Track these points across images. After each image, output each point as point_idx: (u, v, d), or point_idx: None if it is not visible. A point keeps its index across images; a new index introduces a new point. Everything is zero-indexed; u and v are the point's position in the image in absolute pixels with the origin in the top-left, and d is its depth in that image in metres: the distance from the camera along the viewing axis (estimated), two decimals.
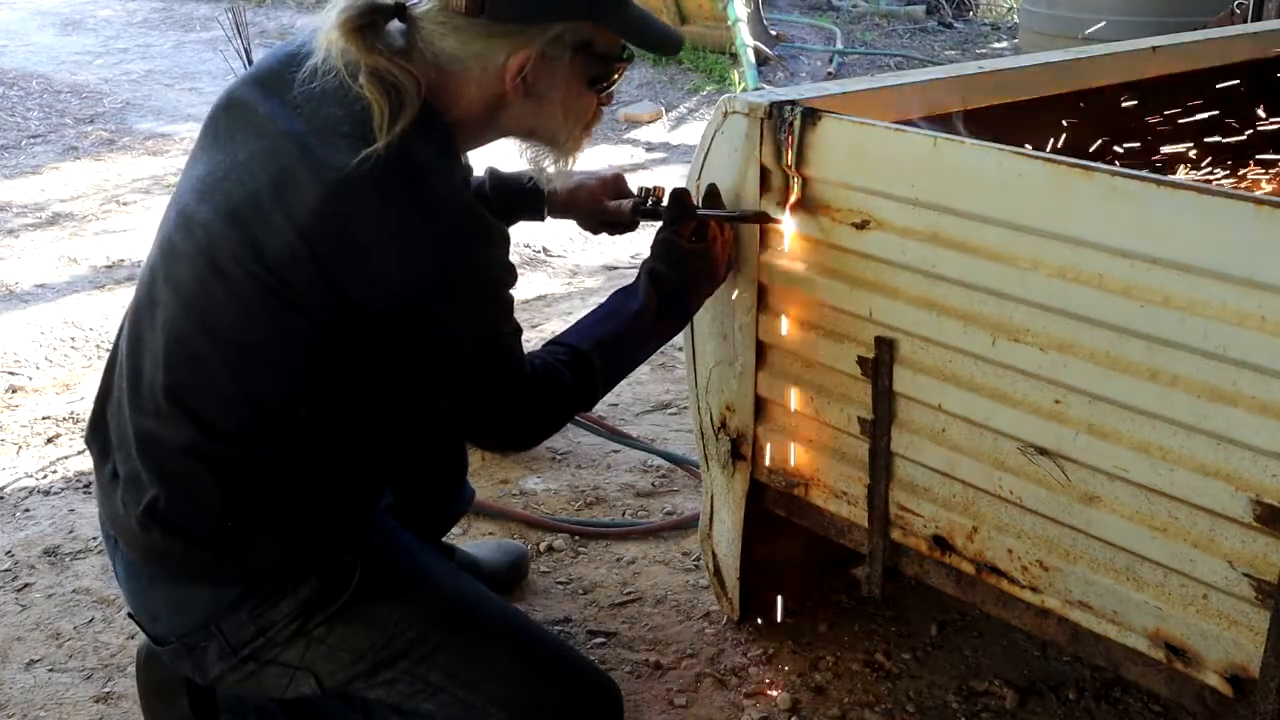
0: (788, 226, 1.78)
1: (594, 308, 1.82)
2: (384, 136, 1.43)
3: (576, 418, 2.91)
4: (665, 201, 1.86)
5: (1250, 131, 2.30)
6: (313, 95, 1.49)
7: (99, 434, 1.68)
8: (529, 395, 1.63)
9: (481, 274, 1.54)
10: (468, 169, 1.74)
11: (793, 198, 1.75)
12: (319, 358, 1.51)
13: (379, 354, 1.52)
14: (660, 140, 6.14)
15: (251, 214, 1.48)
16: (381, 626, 1.61)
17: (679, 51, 1.70)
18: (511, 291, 1.60)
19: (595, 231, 2.05)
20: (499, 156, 1.81)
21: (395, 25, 1.52)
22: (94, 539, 2.56)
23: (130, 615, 1.72)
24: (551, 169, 1.67)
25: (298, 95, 1.50)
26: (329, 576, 1.58)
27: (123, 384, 1.60)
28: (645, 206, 1.93)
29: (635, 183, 2.02)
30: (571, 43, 1.54)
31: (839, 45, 7.56)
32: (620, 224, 2.00)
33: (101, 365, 3.48)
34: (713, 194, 1.84)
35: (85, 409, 3.19)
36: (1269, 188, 2.21)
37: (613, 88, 1.65)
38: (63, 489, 2.81)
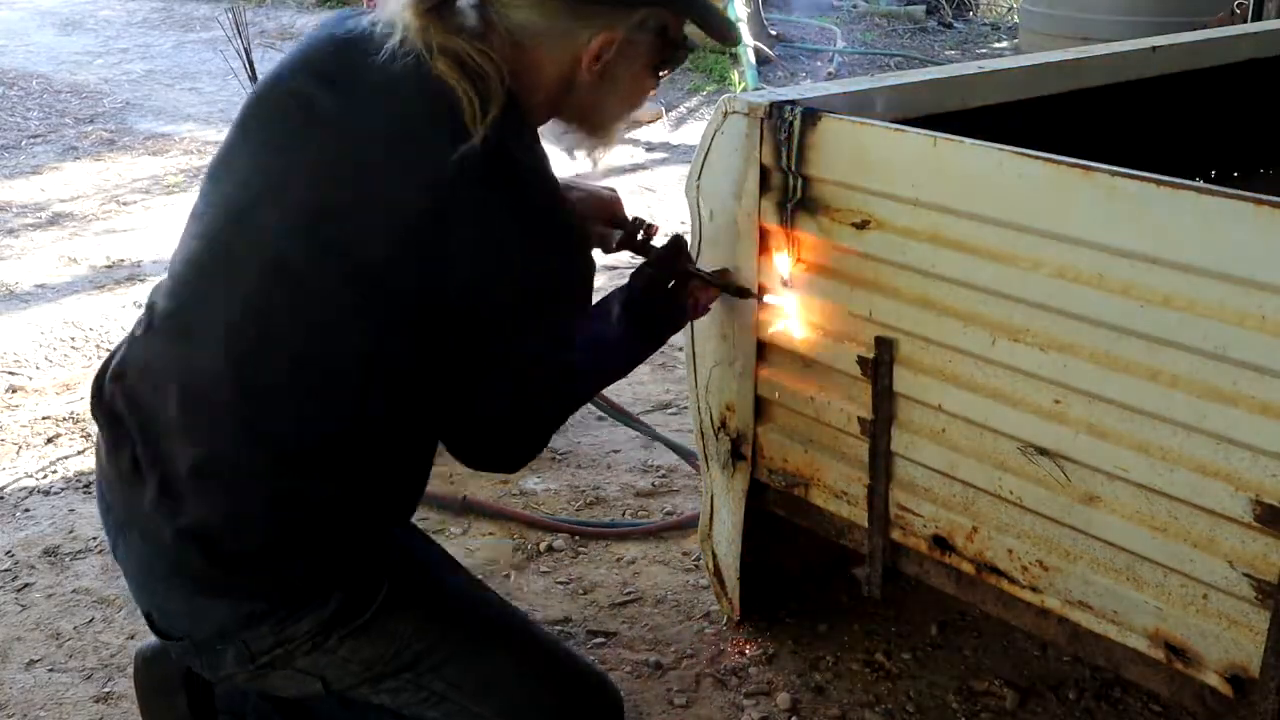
0: (777, 302, 1.80)
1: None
2: (480, 129, 1.35)
3: (596, 401, 2.84)
4: (656, 241, 1.84)
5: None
6: (388, 85, 1.40)
7: (107, 408, 1.58)
8: (556, 391, 1.61)
9: (572, 283, 1.50)
10: None
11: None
12: (397, 365, 1.45)
13: (447, 361, 1.47)
14: (660, 140, 6.14)
15: (337, 218, 1.39)
16: (393, 640, 1.58)
17: (738, 43, 1.70)
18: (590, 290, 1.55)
19: None
20: None
21: (467, 2, 1.44)
22: (94, 539, 2.56)
23: (143, 611, 1.65)
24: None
25: (369, 85, 1.41)
26: (354, 594, 1.54)
27: (163, 385, 1.50)
28: (635, 240, 1.86)
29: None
30: (653, 27, 1.50)
31: (839, 45, 7.57)
32: (600, 248, 1.92)
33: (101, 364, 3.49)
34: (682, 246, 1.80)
35: (85, 409, 3.19)
36: None
37: (670, 74, 1.62)
38: (63, 489, 2.81)
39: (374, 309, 1.40)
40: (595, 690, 1.73)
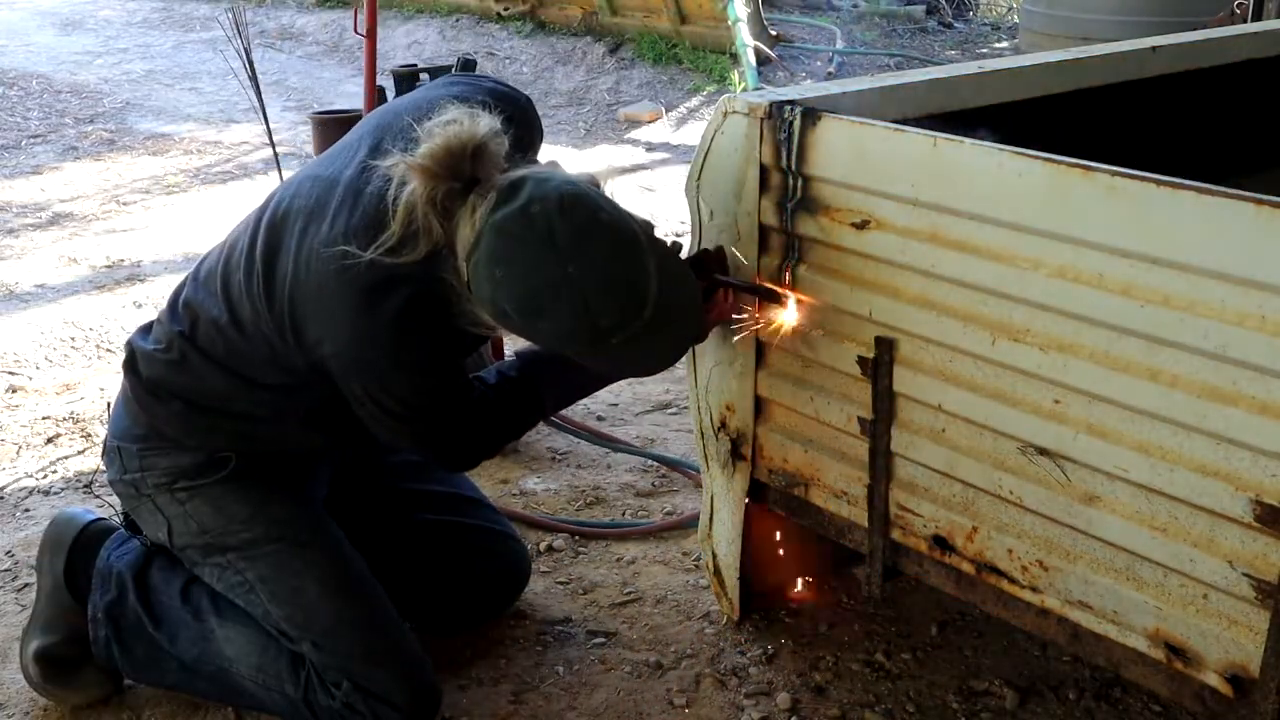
0: (790, 307, 1.82)
1: None
2: (371, 254, 1.61)
3: (567, 425, 2.94)
4: (683, 255, 1.86)
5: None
6: (379, 178, 1.66)
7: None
8: (458, 434, 1.84)
9: (394, 379, 1.72)
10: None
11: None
12: (281, 361, 1.81)
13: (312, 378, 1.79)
14: (660, 140, 6.14)
15: (292, 223, 1.74)
16: (229, 517, 1.91)
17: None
18: (443, 371, 1.77)
19: None
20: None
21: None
22: None
23: None
24: None
25: (384, 158, 1.66)
26: (207, 463, 1.91)
27: (224, 259, 1.87)
28: None
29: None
30: None
31: (839, 45, 7.56)
32: None
33: (101, 365, 3.49)
34: (719, 255, 1.87)
35: (85, 409, 3.20)
36: None
37: None
38: (63, 489, 2.81)
39: (264, 304, 1.77)
40: (397, 651, 1.92)
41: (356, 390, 1.74)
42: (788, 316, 1.82)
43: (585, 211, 1.55)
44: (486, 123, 1.61)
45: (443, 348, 1.75)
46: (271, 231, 1.77)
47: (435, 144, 1.58)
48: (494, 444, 1.96)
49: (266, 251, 1.76)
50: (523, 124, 1.76)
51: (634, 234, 1.60)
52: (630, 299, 1.56)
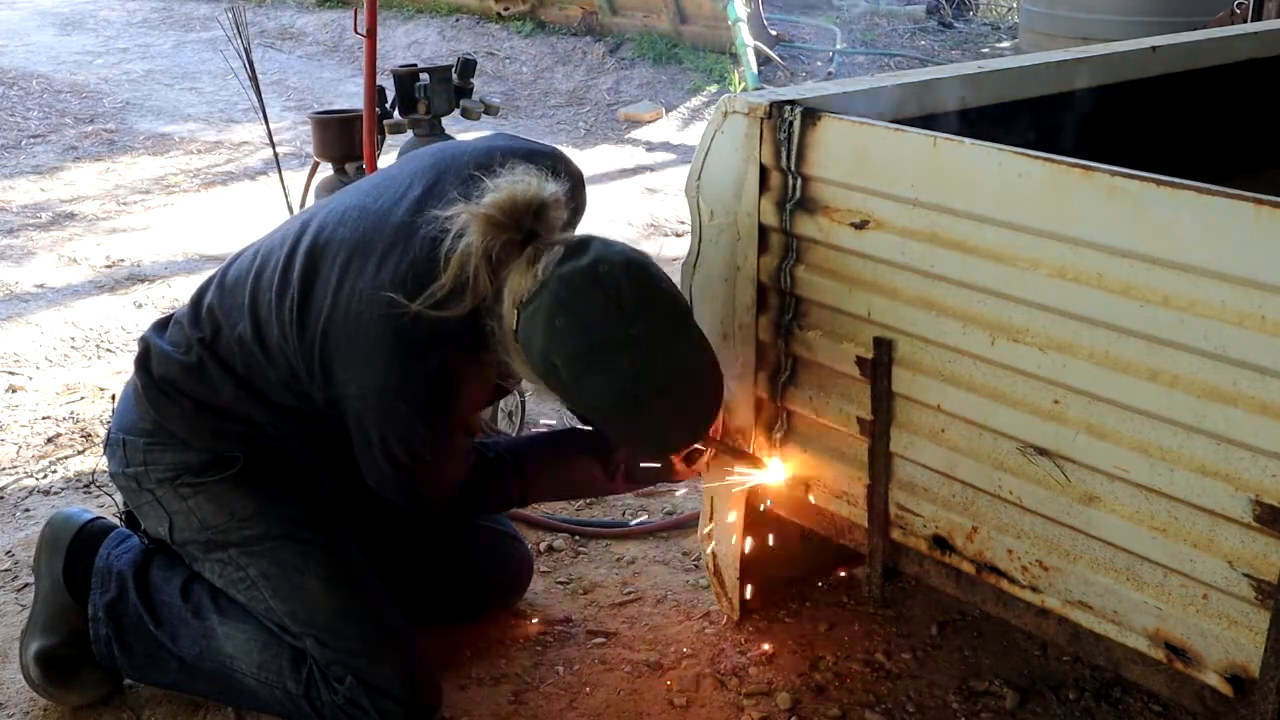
0: (774, 474, 1.91)
1: (573, 440, 2.08)
2: (419, 306, 1.63)
3: None
4: None
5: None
6: (435, 224, 1.67)
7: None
8: (439, 492, 1.91)
9: (411, 428, 1.77)
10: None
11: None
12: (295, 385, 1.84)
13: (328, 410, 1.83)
14: (660, 140, 6.13)
15: (334, 253, 1.75)
16: (230, 513, 1.92)
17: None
18: (458, 432, 1.85)
19: None
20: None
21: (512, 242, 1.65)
22: None
23: None
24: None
25: (439, 202, 1.69)
26: (212, 461, 1.92)
27: (258, 268, 1.87)
28: None
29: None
30: None
31: (839, 45, 7.56)
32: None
33: (101, 365, 3.49)
34: None
35: (85, 409, 3.20)
36: None
37: None
38: (63, 489, 2.81)
39: (297, 326, 1.78)
40: (394, 647, 1.92)
41: (371, 435, 1.77)
42: (772, 478, 1.92)
43: (650, 279, 1.63)
44: (552, 187, 1.67)
45: (466, 407, 1.82)
46: (311, 258, 1.78)
47: (501, 195, 1.62)
48: (465, 513, 2.04)
49: (304, 278, 1.77)
50: (573, 195, 1.79)
51: (688, 310, 1.69)
52: (678, 372, 1.65)
